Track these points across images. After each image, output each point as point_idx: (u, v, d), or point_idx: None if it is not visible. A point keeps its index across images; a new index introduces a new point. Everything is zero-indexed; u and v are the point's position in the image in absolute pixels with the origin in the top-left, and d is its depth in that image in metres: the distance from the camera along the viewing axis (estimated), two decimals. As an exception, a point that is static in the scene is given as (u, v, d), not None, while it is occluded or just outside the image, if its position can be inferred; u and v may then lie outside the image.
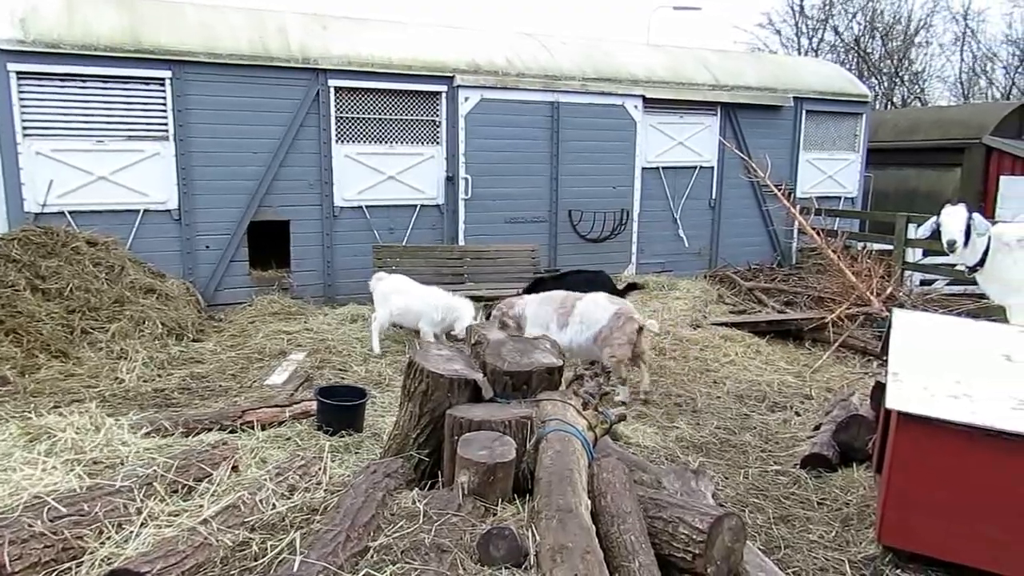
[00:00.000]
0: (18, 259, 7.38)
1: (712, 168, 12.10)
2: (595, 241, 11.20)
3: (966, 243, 6.54)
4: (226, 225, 9.27)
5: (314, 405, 5.22)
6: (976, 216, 6.55)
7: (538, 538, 2.80)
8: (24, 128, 8.31)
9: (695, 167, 11.96)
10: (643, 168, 11.49)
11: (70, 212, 8.54)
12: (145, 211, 8.89)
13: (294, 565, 2.41)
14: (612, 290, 7.36)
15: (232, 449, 3.75)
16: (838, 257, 9.28)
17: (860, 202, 13.65)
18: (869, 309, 8.59)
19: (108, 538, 2.69)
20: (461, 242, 10.30)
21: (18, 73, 8.20)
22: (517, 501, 3.20)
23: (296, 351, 7.46)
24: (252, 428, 4.87)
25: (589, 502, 3.09)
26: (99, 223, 8.46)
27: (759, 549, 3.51)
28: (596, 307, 6.30)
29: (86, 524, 2.71)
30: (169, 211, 9.03)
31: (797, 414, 6.18)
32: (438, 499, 3.06)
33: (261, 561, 2.59)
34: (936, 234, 6.83)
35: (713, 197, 12.21)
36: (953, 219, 6.59)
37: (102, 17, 8.72)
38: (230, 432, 4.74)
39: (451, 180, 10.30)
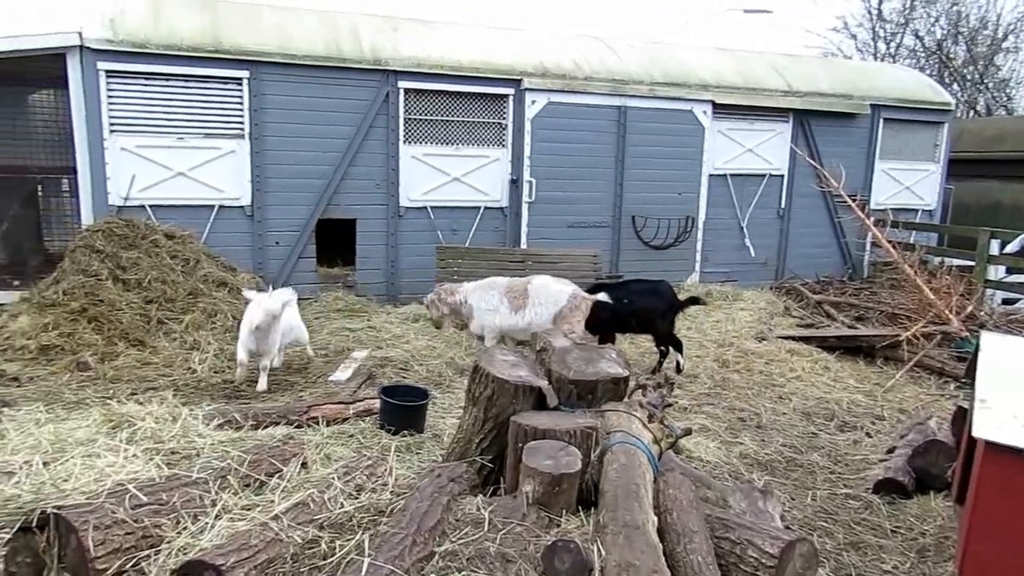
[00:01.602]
0: (102, 250, 7.71)
1: (782, 176, 11.79)
2: (658, 248, 11.04)
3: None
4: (296, 222, 9.49)
5: (376, 403, 5.29)
6: None
7: (603, 553, 2.76)
8: (111, 124, 8.69)
9: (764, 175, 11.68)
10: (710, 175, 11.28)
11: (150, 206, 8.89)
12: (220, 207, 9.18)
13: (362, 567, 2.43)
14: (675, 302, 7.24)
15: (300, 445, 3.83)
16: (915, 272, 8.91)
17: (939, 215, 13.09)
18: (947, 328, 8.22)
19: (184, 528, 2.78)
20: (523, 245, 10.30)
21: (107, 71, 8.57)
22: (581, 513, 3.17)
23: (359, 349, 7.58)
24: (317, 424, 4.96)
25: (655, 518, 3.04)
26: (177, 217, 8.78)
27: (829, 576, 3.39)
28: (550, 290, 6.96)
29: (164, 513, 2.80)
30: (242, 207, 9.30)
31: (868, 435, 5.96)
32: (503, 507, 3.05)
33: (330, 560, 2.63)
34: None
35: (782, 206, 11.89)
36: None
37: (185, 18, 9.05)
38: (296, 427, 4.84)
39: (515, 183, 10.32)
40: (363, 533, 2.74)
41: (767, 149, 11.61)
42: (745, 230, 11.70)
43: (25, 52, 8.39)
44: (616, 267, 10.74)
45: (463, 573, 2.49)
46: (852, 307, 10.05)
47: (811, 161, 11.25)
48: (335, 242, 10.04)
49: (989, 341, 3.97)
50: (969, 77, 25.79)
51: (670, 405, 5.21)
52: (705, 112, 10.98)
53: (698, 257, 11.40)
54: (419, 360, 7.26)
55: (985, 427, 3.38)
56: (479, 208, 10.27)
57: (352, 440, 4.85)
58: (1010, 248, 6.87)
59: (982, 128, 16.30)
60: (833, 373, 7.62)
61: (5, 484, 2.76)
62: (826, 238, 12.23)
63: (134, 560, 2.63)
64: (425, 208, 10.03)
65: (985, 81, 25.65)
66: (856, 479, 5.01)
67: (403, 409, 5.12)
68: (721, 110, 11.09)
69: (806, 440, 5.80)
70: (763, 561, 2.93)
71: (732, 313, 9.74)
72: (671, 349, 7.29)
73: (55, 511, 2.66)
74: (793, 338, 8.57)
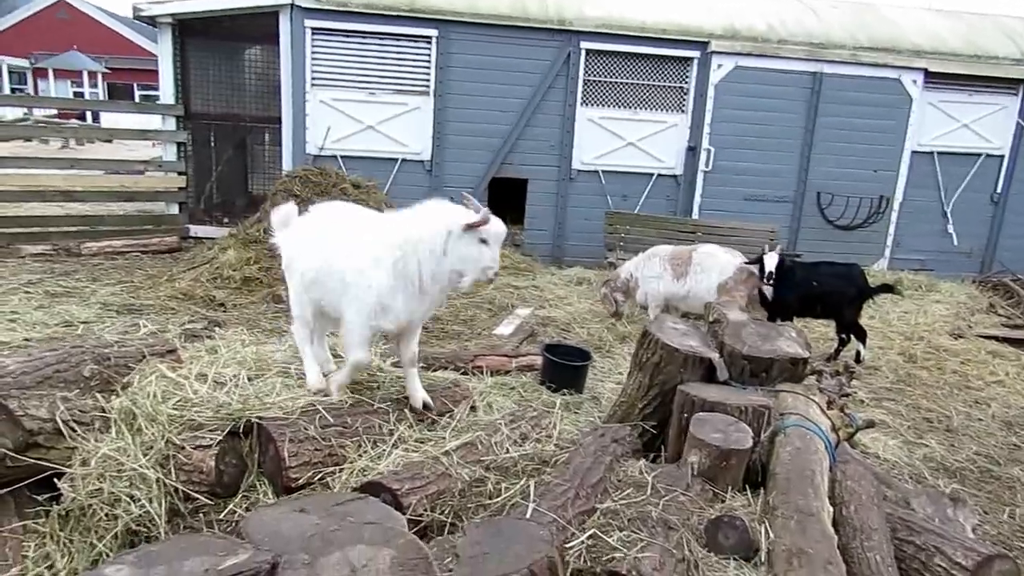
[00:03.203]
0: (298, 194, 8.34)
1: (1002, 157, 10.42)
2: (844, 228, 10.23)
3: None
4: (471, 179, 9.77)
5: (538, 359, 5.37)
6: None
7: (771, 536, 2.64)
8: (313, 78, 9.35)
9: (980, 154, 10.38)
10: (913, 152, 10.21)
11: (341, 156, 9.53)
12: (403, 160, 9.66)
13: (527, 511, 2.49)
14: (865, 287, 6.68)
15: (469, 390, 3.98)
16: None
17: None
18: None
19: (365, 452, 2.99)
20: (695, 216, 9.95)
21: (313, 28, 9.21)
22: (748, 493, 3.05)
23: (523, 306, 7.73)
24: (481, 373, 5.12)
25: (831, 508, 2.85)
26: (363, 168, 9.34)
27: (1029, 602, 3.02)
28: (717, 259, 6.70)
29: (348, 436, 3.03)
30: (423, 162, 9.72)
31: (1084, 455, 5.22)
32: (666, 474, 3.00)
33: (495, 500, 2.73)
34: None
35: (998, 191, 10.53)
36: None
37: (383, -22, 9.48)
38: (462, 373, 5.03)
39: (692, 151, 9.94)
40: (527, 479, 2.80)
41: (986, 125, 10.29)
42: (949, 215, 10.52)
43: (244, 10, 9.22)
44: (795, 246, 10.10)
45: (623, 532, 2.48)
46: (1075, 310, 8.79)
47: (1040, 140, 9.84)
48: (507, 201, 10.24)
49: None
50: None
51: (848, 395, 4.85)
52: (915, 81, 9.91)
53: (889, 241, 10.44)
54: (580, 323, 7.28)
55: None
56: (652, 175, 10.03)
57: (513, 392, 4.95)
58: None
59: None
60: (1044, 381, 6.74)
61: (218, 392, 3.11)
62: (1050, 230, 10.72)
63: (320, 475, 2.87)
64: (597, 172, 9.95)
65: None
66: (1067, 501, 4.42)
67: (565, 368, 5.15)
68: (935, 79, 9.95)
69: (1006, 452, 5.18)
70: (953, 572, 2.67)
71: (924, 305, 8.86)
72: (853, 338, 6.77)
73: (258, 421, 2.96)
74: (997, 338, 7.66)
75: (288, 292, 3.79)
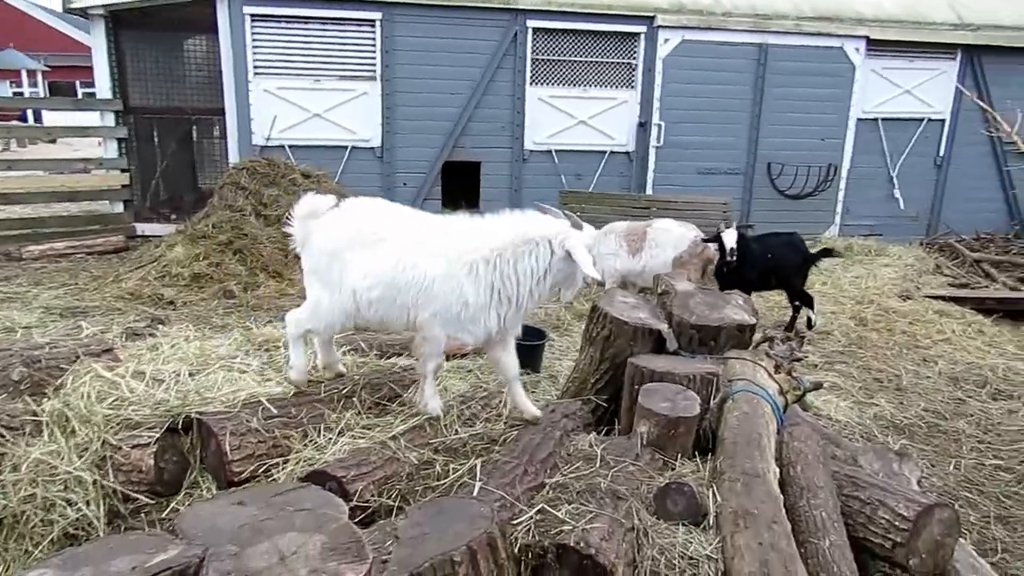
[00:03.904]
0: (246, 187, 8.20)
1: (943, 121, 10.66)
2: (795, 198, 10.39)
3: None
4: (423, 164, 9.68)
5: (495, 341, 5.34)
6: None
7: (719, 499, 2.67)
8: (255, 67, 9.14)
9: (922, 119, 10.60)
10: (858, 119, 10.39)
11: (289, 146, 9.35)
12: (352, 148, 9.51)
13: (474, 489, 2.47)
14: (809, 254, 6.79)
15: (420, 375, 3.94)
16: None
17: None
18: None
19: (311, 441, 2.94)
20: (649, 191, 10.00)
21: (252, 15, 8.98)
22: (697, 459, 3.07)
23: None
24: (438, 357, 5.08)
25: (777, 470, 2.89)
26: (313, 157, 9.18)
27: (972, 550, 3.11)
28: (672, 233, 6.79)
29: (293, 427, 2.98)
30: (373, 148, 9.58)
31: (1026, 405, 5.40)
32: (616, 446, 3.01)
33: (443, 481, 2.70)
34: None
35: (941, 154, 10.78)
36: None
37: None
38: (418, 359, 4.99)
39: (643, 126, 9.97)
40: (476, 459, 2.78)
41: (927, 90, 10.51)
42: (895, 180, 10.75)
43: (179, -1, 8.95)
44: (747, 217, 10.22)
45: (572, 505, 2.48)
46: (1017, 267, 9.05)
47: (979, 102, 10.06)
48: (460, 185, 10.16)
49: None
50: None
51: (799, 360, 4.91)
52: (858, 49, 10.06)
53: (839, 208, 10.63)
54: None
55: None
56: (604, 152, 10.04)
57: (470, 375, 4.95)
58: None
59: None
60: (988, 338, 6.94)
61: (156, 389, 3.02)
62: (991, 191, 11.00)
63: (265, 467, 2.81)
64: (549, 152, 9.92)
65: None
66: (1009, 451, 4.56)
67: (520, 348, 5.12)
68: (876, 47, 10.12)
69: (952, 406, 5.33)
70: (896, 524, 2.72)
71: (874, 269, 9.05)
72: (803, 304, 6.89)
73: (199, 416, 2.89)
74: (943, 298, 7.85)
75: (312, 304, 3.30)
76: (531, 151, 9.88)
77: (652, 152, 9.99)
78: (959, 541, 2.86)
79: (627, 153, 10.10)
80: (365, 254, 3.10)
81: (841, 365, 6.07)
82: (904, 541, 2.69)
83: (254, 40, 9.08)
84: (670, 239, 6.80)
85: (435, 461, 2.82)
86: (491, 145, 9.82)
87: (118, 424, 2.81)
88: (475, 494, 2.41)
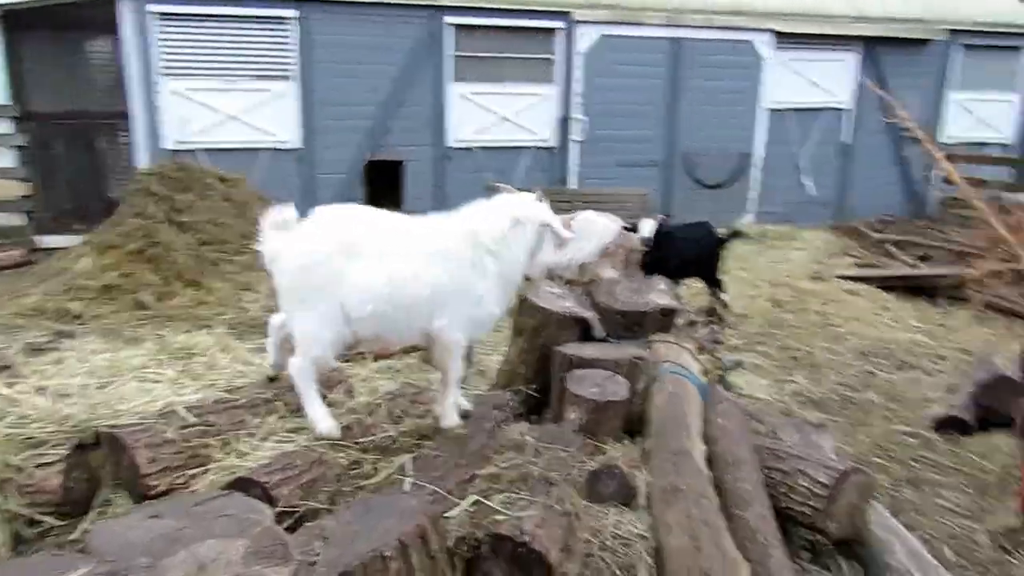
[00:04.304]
0: (157, 193, 7.84)
1: (846, 110, 11.20)
2: (711, 187, 10.71)
3: None
4: (346, 165, 9.50)
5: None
6: None
7: (649, 478, 2.72)
8: (162, 67, 8.76)
9: (827, 108, 11.11)
10: (768, 110, 10.80)
11: (203, 149, 9.00)
12: (271, 149, 9.24)
13: (404, 486, 2.44)
14: (715, 238, 7.01)
15: (344, 374, 3.87)
16: (986, 208, 8.41)
17: (1019, 149, 12.27)
18: (1018, 266, 7.77)
19: (233, 449, 2.84)
20: (572, 185, 10.12)
21: (157, 13, 8.60)
22: (627, 441, 3.12)
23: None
24: (364, 359, 5.00)
25: (704, 447, 2.97)
26: (229, 161, 8.86)
27: (884, 511, 3.27)
28: (595, 225, 6.65)
29: (212, 435, 2.86)
30: (292, 150, 9.34)
31: (928, 375, 5.73)
32: (547, 433, 3.02)
33: (373, 480, 2.65)
34: None
35: (845, 141, 11.32)
36: None
37: (231, -42, 8.97)
38: (345, 362, 4.89)
39: (565, 121, 10.07)
40: (406, 456, 2.75)
41: (831, 81, 11.02)
42: (804, 168, 11.22)
43: (76, -3, 8.48)
44: (668, 207, 10.46)
45: (505, 495, 2.47)
46: (916, 246, 9.61)
47: (879, 91, 10.59)
48: (384, 184, 10.03)
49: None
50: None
51: (721, 342, 5.10)
52: (765, 42, 10.45)
53: (754, 196, 11.02)
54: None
55: (1061, 358, 3.18)
56: (527, 148, 10.10)
57: (399, 374, 4.88)
58: None
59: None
60: (893, 313, 7.34)
61: (62, 404, 2.86)
62: (890, 175, 11.64)
63: (184, 478, 2.69)
64: (472, 149, 9.91)
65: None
66: (914, 417, 4.83)
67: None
68: (783, 40, 10.53)
69: (862, 379, 5.61)
70: (815, 491, 2.84)
71: (787, 253, 9.44)
72: (716, 288, 7.12)
73: (108, 430, 2.74)
74: (851, 278, 8.25)
75: (306, 337, 3.01)
76: (454, 148, 9.85)
77: (574, 146, 10.11)
78: (873, 504, 3.01)
79: (549, 148, 10.19)
80: (353, 267, 2.95)
81: (761, 345, 6.28)
82: (823, 507, 2.81)
83: (161, 40, 8.70)
84: (594, 230, 6.88)
85: (364, 461, 2.77)
86: (414, 143, 9.73)
87: (21, 443, 2.64)
88: (405, 489, 2.38)
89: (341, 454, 2.78)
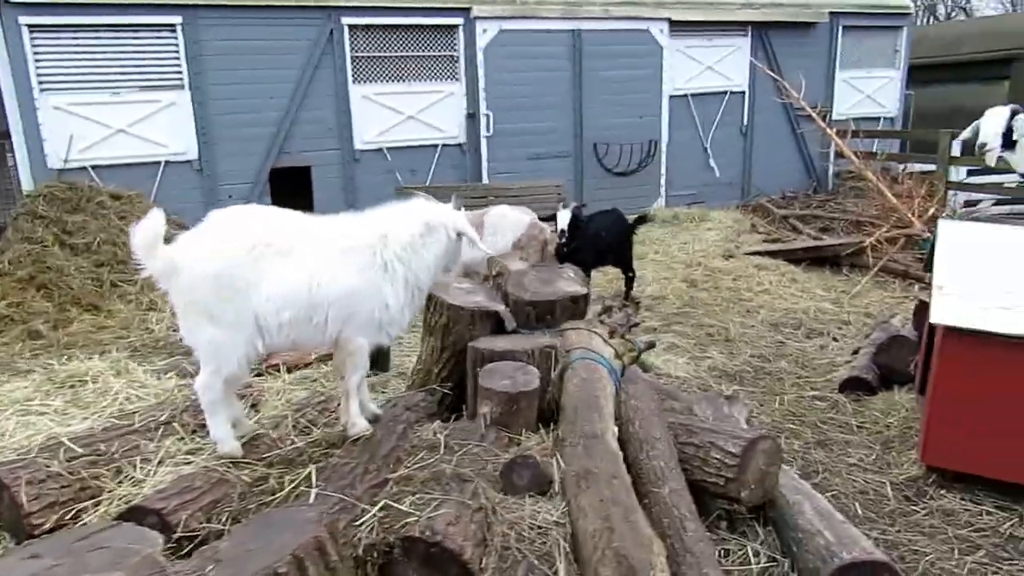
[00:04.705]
0: (45, 215, 7.39)
1: (743, 93, 11.60)
2: (622, 175, 10.88)
3: (1007, 146, 6.11)
4: (248, 173, 9.17)
5: (339, 346, 5.16)
6: (1021, 117, 6.09)
7: (563, 465, 2.71)
8: (40, 82, 8.24)
9: (725, 92, 11.47)
10: (671, 96, 11.06)
11: (92, 167, 8.51)
12: (166, 163, 8.83)
13: (310, 497, 2.35)
14: (626, 224, 7.12)
15: (255, 390, 3.72)
16: (877, 179, 8.88)
17: (901, 122, 13.02)
18: (910, 231, 8.23)
19: (127, 477, 2.67)
20: (485, 181, 10.09)
21: (30, 26, 8.07)
22: (542, 430, 3.11)
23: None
24: (278, 371, 4.84)
25: (616, 428, 2.99)
26: (122, 177, 8.41)
27: (796, 474, 3.38)
28: (508, 219, 6.76)
29: (103, 464, 2.68)
30: (190, 162, 8.95)
31: (835, 340, 5.98)
32: (460, 430, 2.98)
33: (279, 495, 2.55)
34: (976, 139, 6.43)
35: (745, 123, 11.73)
36: (991, 121, 6.16)
37: (107, -36, 8.51)
38: (256, 375, 4.71)
39: (472, 117, 10.03)
40: (312, 466, 2.65)
41: (727, 66, 11.38)
42: (709, 150, 11.56)
43: (-64, 10, 7.87)
44: (580, 196, 10.56)
45: (416, 496, 2.42)
46: (817, 219, 10.04)
47: (771, 74, 11.04)
48: (293, 191, 9.74)
49: (946, 229, 3.92)
50: (928, -18, 25.46)
51: (637, 325, 5.16)
52: (662, 31, 10.69)
53: (663, 181, 11.27)
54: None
55: (943, 313, 3.35)
56: (437, 146, 10.00)
57: (315, 384, 4.74)
58: (964, 135, 6.78)
59: (941, 33, 16.16)
60: (800, 284, 7.64)
61: (-70, 447, 2.63)
62: (789, 153, 12.13)
63: (73, 512, 2.52)
64: (381, 150, 9.74)
65: (945, -15, 25.36)
66: (823, 381, 5.03)
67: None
68: (679, 27, 10.79)
69: (774, 349, 5.81)
70: (726, 461, 2.90)
71: (699, 234, 9.69)
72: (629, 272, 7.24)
73: (-16, 469, 2.54)
74: (760, 253, 8.55)
75: (211, 351, 2.79)
76: (362, 150, 9.65)
77: (483, 142, 10.08)
78: (783, 468, 3.09)
79: (459, 145, 10.13)
80: (262, 271, 2.76)
81: (678, 325, 6.42)
82: (735, 476, 2.87)
83: (36, 53, 8.17)
84: (507, 224, 6.87)
85: (269, 475, 2.65)
86: (319, 148, 9.48)
87: None
88: (311, 501, 2.29)
89: (245, 471, 2.66)
